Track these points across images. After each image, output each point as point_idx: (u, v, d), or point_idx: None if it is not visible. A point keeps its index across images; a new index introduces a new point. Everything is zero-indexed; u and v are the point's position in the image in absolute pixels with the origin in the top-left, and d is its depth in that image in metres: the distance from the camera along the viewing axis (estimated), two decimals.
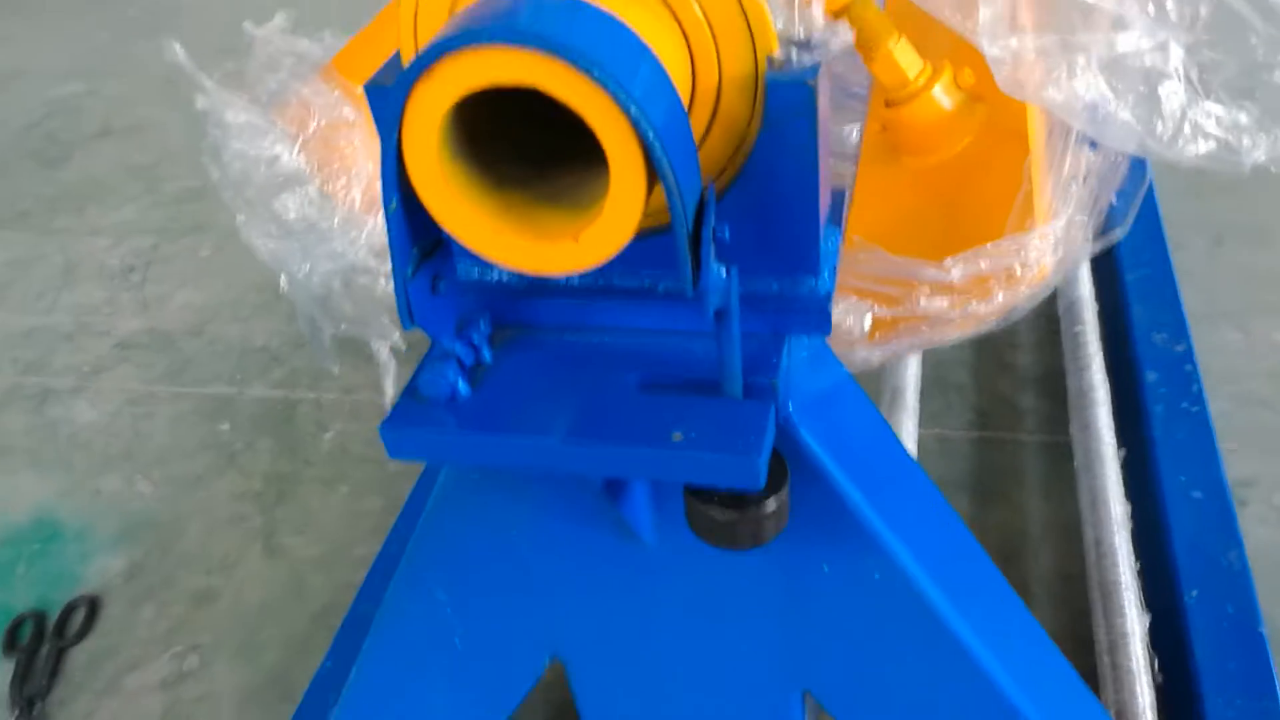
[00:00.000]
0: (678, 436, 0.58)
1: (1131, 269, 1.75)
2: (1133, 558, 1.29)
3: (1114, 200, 0.99)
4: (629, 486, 0.72)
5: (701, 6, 0.59)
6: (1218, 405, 1.58)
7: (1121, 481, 1.41)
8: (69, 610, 1.67)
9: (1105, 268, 1.81)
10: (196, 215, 2.68)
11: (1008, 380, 1.86)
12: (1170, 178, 1.98)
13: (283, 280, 1.02)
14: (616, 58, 0.50)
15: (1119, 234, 1.02)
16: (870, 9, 1.02)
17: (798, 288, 0.63)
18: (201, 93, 1.05)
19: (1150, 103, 0.79)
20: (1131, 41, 0.77)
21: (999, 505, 1.64)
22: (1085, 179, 0.92)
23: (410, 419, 0.64)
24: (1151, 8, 0.78)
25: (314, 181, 0.99)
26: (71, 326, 2.36)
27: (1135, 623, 1.19)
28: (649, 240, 0.61)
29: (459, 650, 0.93)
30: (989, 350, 1.90)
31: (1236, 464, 1.52)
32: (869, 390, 0.84)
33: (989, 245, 0.89)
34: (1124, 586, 1.24)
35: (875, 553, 0.73)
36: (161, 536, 1.80)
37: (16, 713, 1.52)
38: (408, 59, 0.65)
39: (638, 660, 0.89)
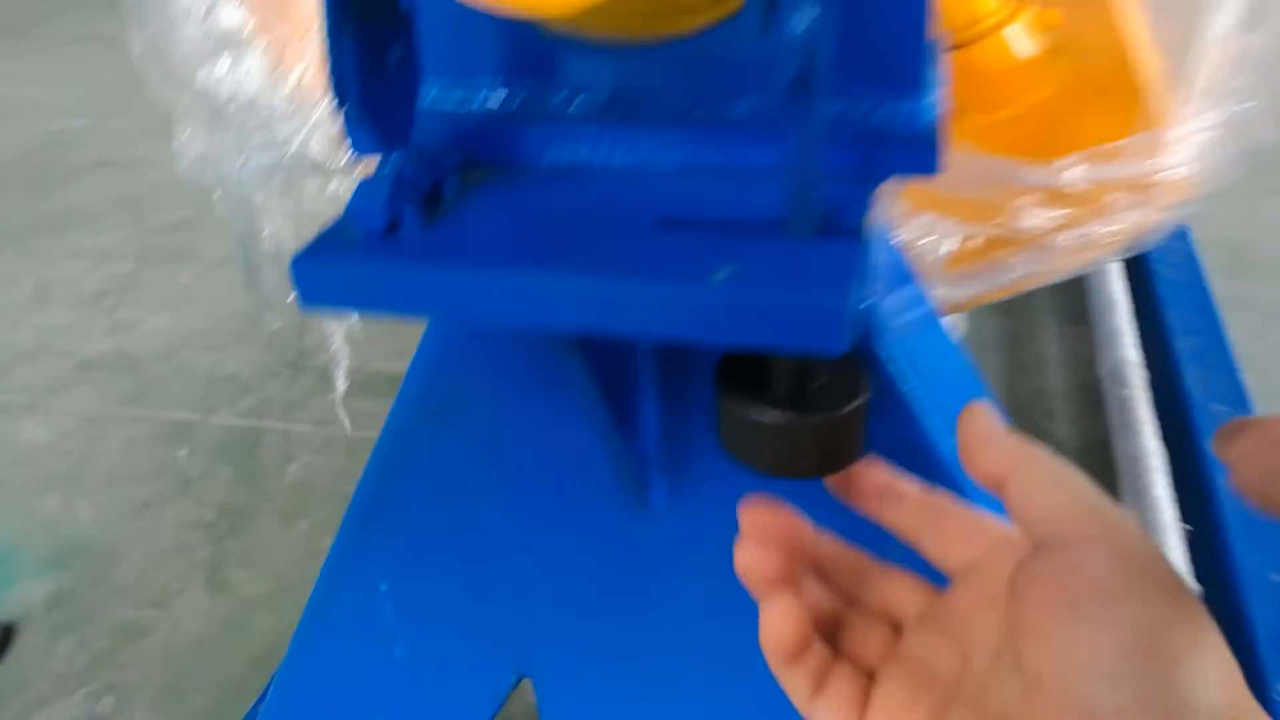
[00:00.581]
0: (722, 274, 0.41)
1: (1182, 336, 1.61)
2: None
3: None
4: (636, 396, 0.56)
5: None
6: None
7: (1188, 560, 1.24)
8: None
9: (1152, 335, 1.68)
10: (180, 244, 2.56)
11: None
12: (1214, 254, 1.87)
13: (216, 193, 0.85)
14: None
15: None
16: None
17: (896, 110, 0.46)
18: None
19: None
20: None
21: None
22: (1237, 67, 0.76)
23: (334, 247, 0.46)
24: None
25: (256, 46, 0.82)
26: (34, 346, 2.21)
27: None
28: (678, 48, 0.47)
29: (399, 663, 0.74)
30: (1022, 420, 1.75)
31: None
32: None
33: (1109, 144, 0.73)
34: None
35: None
36: (95, 563, 1.61)
37: None
38: None
39: (635, 679, 0.70)
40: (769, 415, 0.46)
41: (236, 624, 1.48)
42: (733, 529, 0.47)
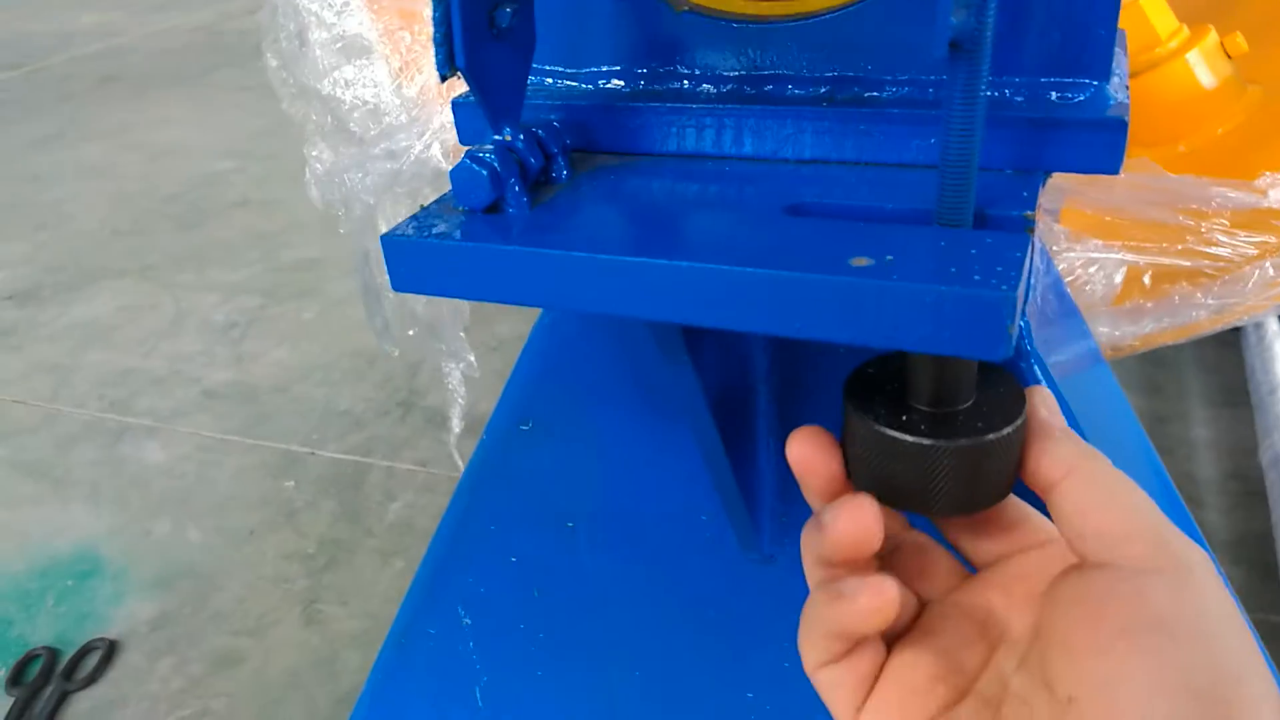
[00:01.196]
0: (861, 261, 0.35)
1: None
2: None
3: None
4: (754, 437, 0.50)
5: None
6: None
7: None
8: (84, 652, 1.50)
9: None
10: (307, 282, 2.64)
11: None
12: None
13: (341, 212, 0.83)
14: None
15: None
16: None
17: (1075, 93, 0.39)
18: None
19: None
20: None
21: None
22: None
23: (430, 224, 0.42)
24: None
25: (380, 53, 0.80)
26: (164, 372, 2.30)
27: None
28: (814, 27, 0.42)
29: (478, 709, 0.69)
30: None
31: None
32: None
33: None
34: None
35: None
36: (198, 588, 1.62)
37: None
38: None
39: None
40: (908, 434, 0.39)
41: (326, 659, 1.46)
42: None
